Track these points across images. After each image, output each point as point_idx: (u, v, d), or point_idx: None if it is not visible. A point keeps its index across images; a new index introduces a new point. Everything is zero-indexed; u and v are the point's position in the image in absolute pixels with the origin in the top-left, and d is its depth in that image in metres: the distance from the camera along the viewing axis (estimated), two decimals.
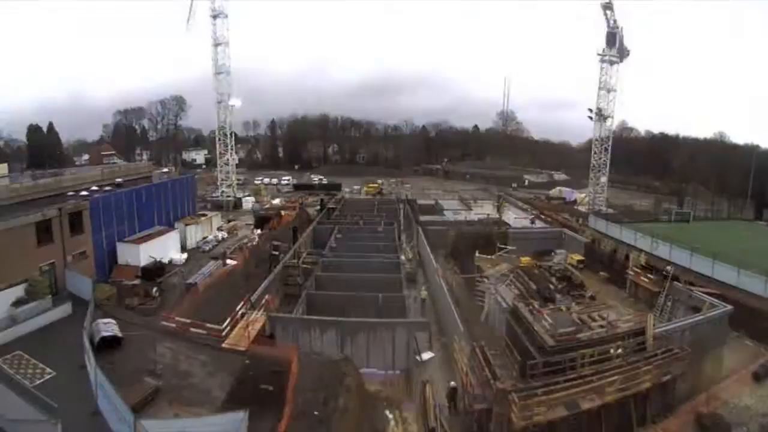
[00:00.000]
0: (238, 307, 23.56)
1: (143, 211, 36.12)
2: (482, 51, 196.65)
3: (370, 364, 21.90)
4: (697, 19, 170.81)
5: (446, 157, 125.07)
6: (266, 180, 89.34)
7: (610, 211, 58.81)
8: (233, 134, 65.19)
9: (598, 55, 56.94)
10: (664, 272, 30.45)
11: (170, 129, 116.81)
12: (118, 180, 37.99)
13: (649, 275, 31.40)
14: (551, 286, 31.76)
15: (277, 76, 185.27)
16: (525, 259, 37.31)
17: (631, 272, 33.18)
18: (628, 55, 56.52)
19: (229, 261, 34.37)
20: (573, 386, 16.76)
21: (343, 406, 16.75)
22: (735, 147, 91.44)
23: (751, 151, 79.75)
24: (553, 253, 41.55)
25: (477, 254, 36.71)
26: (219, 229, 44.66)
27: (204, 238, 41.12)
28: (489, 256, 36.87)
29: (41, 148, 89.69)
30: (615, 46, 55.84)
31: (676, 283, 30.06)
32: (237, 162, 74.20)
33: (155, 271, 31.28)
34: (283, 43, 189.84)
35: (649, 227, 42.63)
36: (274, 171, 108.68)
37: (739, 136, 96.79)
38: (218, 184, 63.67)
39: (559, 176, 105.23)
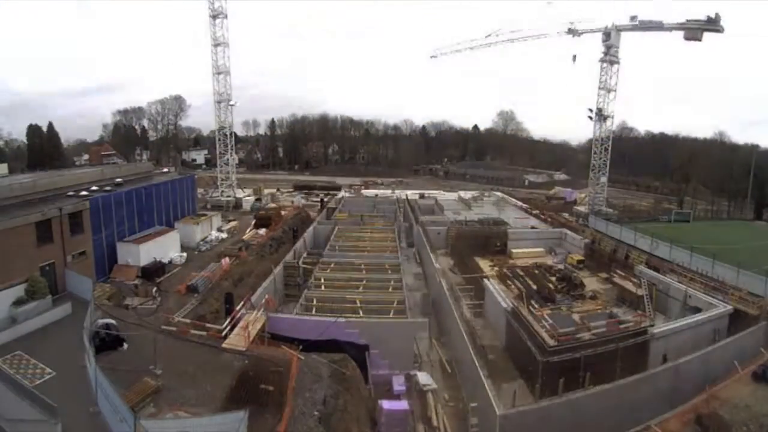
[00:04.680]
0: (238, 307, 23.56)
1: (143, 211, 36.14)
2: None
3: (371, 363, 21.85)
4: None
5: (446, 157, 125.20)
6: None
7: (610, 210, 58.79)
8: (233, 134, 65.12)
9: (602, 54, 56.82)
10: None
11: (170, 129, 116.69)
12: (118, 180, 37.95)
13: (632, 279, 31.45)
14: (551, 286, 31.82)
15: (278, 76, 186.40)
16: (524, 259, 37.41)
17: (615, 275, 33.20)
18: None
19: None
20: None
21: (343, 406, 16.75)
22: (735, 147, 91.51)
23: (751, 151, 79.75)
24: (552, 253, 41.60)
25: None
26: (219, 229, 44.65)
27: (204, 238, 41.11)
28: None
29: (41, 148, 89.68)
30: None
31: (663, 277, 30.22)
32: (237, 162, 74.15)
33: (155, 271, 31.30)
34: (284, 43, 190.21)
35: (649, 227, 42.75)
36: (274, 171, 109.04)
37: (739, 136, 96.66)
38: (218, 184, 63.64)
39: (559, 176, 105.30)
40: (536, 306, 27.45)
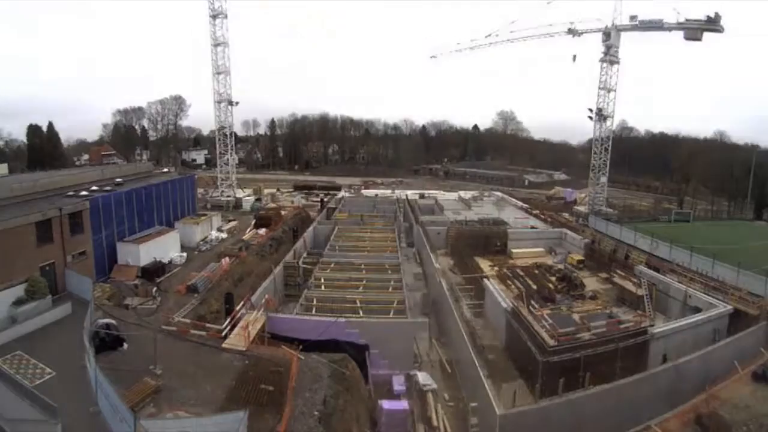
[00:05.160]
0: (238, 307, 23.57)
1: (143, 211, 36.12)
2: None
3: (371, 363, 21.86)
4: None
5: (446, 157, 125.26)
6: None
7: (610, 210, 58.78)
8: (233, 134, 65.10)
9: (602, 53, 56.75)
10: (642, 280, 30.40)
11: (170, 129, 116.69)
12: (118, 180, 37.96)
13: (632, 279, 31.43)
14: (551, 286, 31.82)
15: (278, 76, 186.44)
16: (524, 259, 37.38)
17: (615, 275, 33.13)
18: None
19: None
20: None
21: (343, 406, 16.75)
22: (735, 147, 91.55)
23: (751, 151, 79.75)
24: (552, 253, 41.60)
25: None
26: (219, 229, 44.64)
27: (204, 238, 41.10)
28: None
29: (41, 148, 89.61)
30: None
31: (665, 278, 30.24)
32: (237, 162, 74.09)
33: (155, 271, 31.30)
34: (284, 43, 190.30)
35: (649, 227, 42.73)
36: (274, 171, 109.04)
37: (739, 136, 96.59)
38: (218, 184, 63.65)
39: (559, 176, 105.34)
40: (536, 306, 27.44)
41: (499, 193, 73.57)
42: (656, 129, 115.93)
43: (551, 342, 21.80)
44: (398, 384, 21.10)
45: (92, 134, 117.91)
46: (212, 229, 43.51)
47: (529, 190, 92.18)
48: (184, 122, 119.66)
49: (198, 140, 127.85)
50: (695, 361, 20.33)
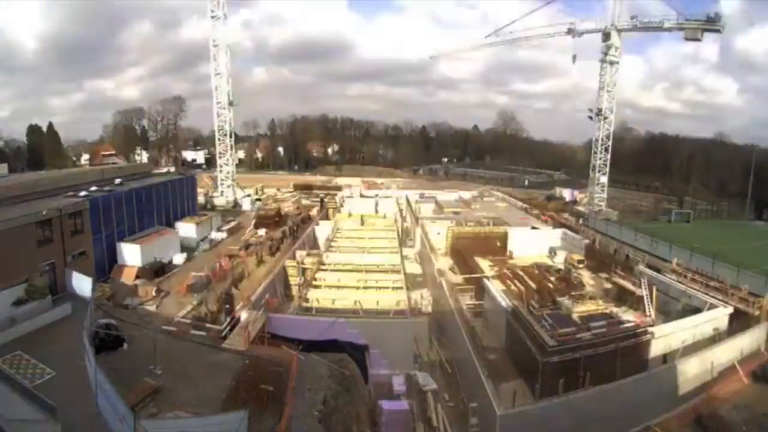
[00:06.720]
0: (238, 307, 23.58)
1: (143, 211, 36.13)
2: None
3: (370, 363, 21.86)
4: None
5: (446, 157, 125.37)
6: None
7: (611, 210, 58.81)
8: (233, 134, 65.12)
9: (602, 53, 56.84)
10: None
11: (170, 129, 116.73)
12: (118, 180, 37.97)
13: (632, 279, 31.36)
14: (551, 286, 31.80)
15: (278, 75, 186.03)
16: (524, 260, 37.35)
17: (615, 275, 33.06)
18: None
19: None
20: None
21: (343, 406, 16.75)
22: (735, 147, 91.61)
23: (751, 151, 79.82)
24: (552, 253, 41.57)
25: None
26: (219, 229, 44.66)
27: (204, 238, 41.12)
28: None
29: (41, 148, 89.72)
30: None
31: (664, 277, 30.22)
32: (237, 162, 74.17)
33: (155, 271, 31.31)
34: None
35: (649, 227, 42.80)
36: (274, 171, 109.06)
37: (739, 136, 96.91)
38: (218, 184, 63.67)
39: (559, 176, 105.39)
40: (536, 306, 27.44)
41: (499, 193, 73.57)
42: (656, 129, 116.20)
43: (551, 342, 21.78)
44: (398, 384, 21.10)
45: (92, 134, 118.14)
46: (212, 229, 43.53)
47: (529, 190, 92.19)
48: (185, 122, 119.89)
49: (198, 140, 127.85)
50: (695, 361, 20.35)
